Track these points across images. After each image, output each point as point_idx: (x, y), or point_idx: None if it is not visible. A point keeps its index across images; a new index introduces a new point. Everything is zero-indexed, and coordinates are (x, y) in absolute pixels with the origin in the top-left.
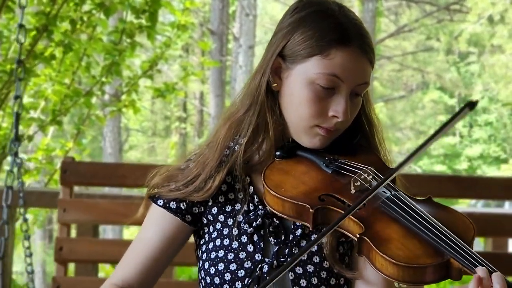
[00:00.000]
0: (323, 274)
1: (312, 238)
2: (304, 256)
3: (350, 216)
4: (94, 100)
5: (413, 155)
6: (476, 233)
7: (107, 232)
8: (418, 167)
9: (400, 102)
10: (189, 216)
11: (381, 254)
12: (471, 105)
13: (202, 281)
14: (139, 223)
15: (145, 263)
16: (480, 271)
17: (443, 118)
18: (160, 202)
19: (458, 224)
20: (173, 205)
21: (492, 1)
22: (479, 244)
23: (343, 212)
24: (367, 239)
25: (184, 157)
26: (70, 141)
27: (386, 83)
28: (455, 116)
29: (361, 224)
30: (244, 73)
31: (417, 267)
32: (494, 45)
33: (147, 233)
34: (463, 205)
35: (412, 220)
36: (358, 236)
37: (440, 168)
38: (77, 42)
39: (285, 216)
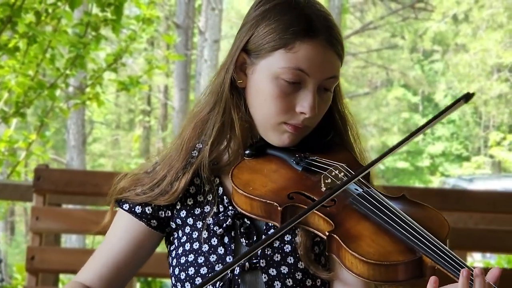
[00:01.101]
0: (298, 275)
1: (286, 238)
2: (277, 257)
3: (320, 214)
4: (58, 92)
5: (394, 149)
6: (450, 230)
7: (69, 241)
8: (381, 163)
9: (364, 98)
10: (154, 221)
11: (350, 252)
12: (467, 97)
13: (173, 287)
14: (106, 230)
15: (108, 269)
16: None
17: (407, 115)
18: (126, 206)
19: (432, 221)
20: (138, 209)
21: (456, 0)
22: None
23: (313, 210)
24: (336, 237)
25: (148, 152)
26: (34, 133)
27: (351, 80)
28: (450, 107)
29: (331, 222)
30: (209, 67)
31: (388, 264)
32: (458, 44)
33: (113, 238)
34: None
35: (383, 217)
36: (327, 233)
37: (402, 165)
38: (42, 34)
39: (254, 216)
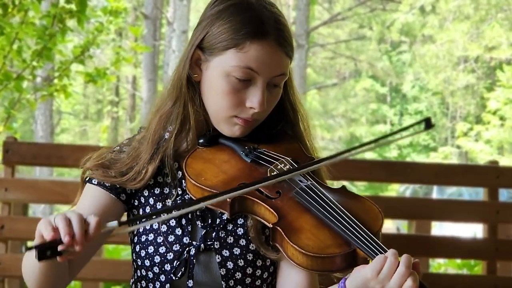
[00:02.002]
0: (249, 256)
1: (238, 222)
2: (230, 239)
3: (265, 205)
4: (25, 84)
5: (336, 156)
6: (383, 222)
7: (36, 213)
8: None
9: (332, 89)
10: (123, 195)
11: (292, 244)
12: (427, 123)
13: (134, 263)
14: (72, 200)
15: None
16: (389, 253)
17: (375, 106)
18: (95, 181)
19: (367, 213)
20: (107, 184)
21: None
22: (403, 229)
23: (258, 201)
24: (280, 229)
25: (116, 142)
26: (1, 124)
27: (319, 71)
28: (408, 127)
29: (275, 214)
30: (177, 58)
31: (325, 257)
32: (425, 35)
33: (83, 206)
34: (393, 192)
35: (323, 211)
36: (271, 225)
37: (370, 156)
38: (9, 26)
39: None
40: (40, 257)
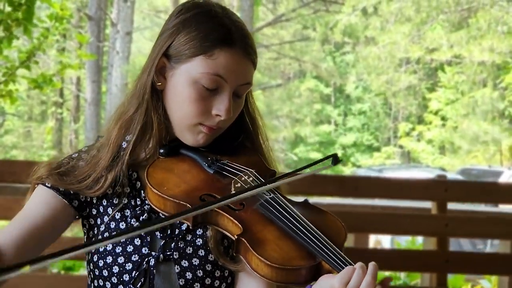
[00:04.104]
0: (208, 266)
1: (197, 232)
2: (189, 250)
3: (229, 217)
4: None
5: (289, 175)
6: (347, 236)
7: None
8: (294, 154)
9: (277, 90)
10: (76, 202)
11: (257, 255)
12: (335, 159)
13: (91, 273)
14: None
15: (22, 232)
16: (357, 265)
17: (319, 106)
18: (49, 184)
19: (331, 227)
20: (61, 188)
21: None
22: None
23: (222, 212)
24: (245, 241)
25: (60, 144)
26: None
27: (263, 71)
28: (318, 162)
29: (240, 226)
30: (121, 59)
31: (290, 268)
32: (368, 36)
33: (31, 208)
34: None
35: (287, 223)
36: (236, 237)
37: (315, 155)
38: None
39: (166, 214)
40: None
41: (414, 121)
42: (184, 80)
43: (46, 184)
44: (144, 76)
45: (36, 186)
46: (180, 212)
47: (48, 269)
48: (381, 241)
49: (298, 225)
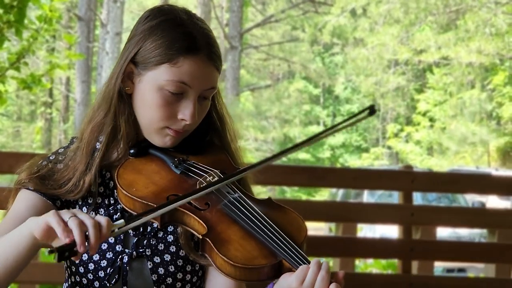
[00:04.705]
0: (180, 262)
1: (169, 229)
2: (161, 246)
3: (195, 216)
4: None
5: (266, 161)
6: (307, 233)
7: None
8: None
9: (266, 91)
10: (58, 202)
11: (220, 255)
12: (372, 110)
13: (68, 269)
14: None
15: None
16: (312, 262)
17: (308, 107)
18: (32, 187)
19: (292, 225)
20: (44, 191)
21: None
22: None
23: (188, 212)
24: (209, 241)
25: (50, 144)
26: None
27: (252, 72)
28: (354, 116)
29: (205, 225)
30: (110, 60)
31: (252, 268)
32: (357, 38)
33: (18, 211)
34: (326, 192)
35: (250, 223)
36: (201, 237)
37: (304, 156)
38: None
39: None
40: (60, 259)
41: (402, 122)
42: (151, 86)
43: (29, 188)
44: (112, 82)
45: (19, 190)
46: (144, 212)
47: (40, 257)
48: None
49: (260, 225)
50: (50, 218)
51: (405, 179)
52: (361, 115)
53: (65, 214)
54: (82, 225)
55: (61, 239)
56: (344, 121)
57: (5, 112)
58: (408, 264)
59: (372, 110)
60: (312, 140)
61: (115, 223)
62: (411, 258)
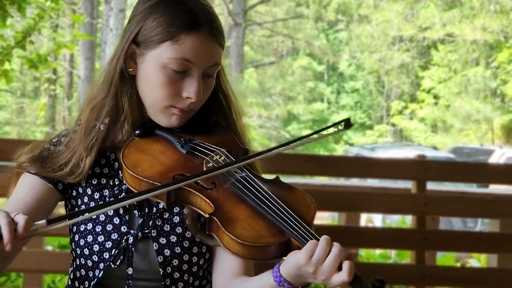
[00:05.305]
0: (186, 243)
1: (174, 210)
2: (167, 227)
3: (201, 196)
4: None
5: (267, 152)
6: (316, 211)
7: None
8: (286, 132)
9: (270, 67)
10: (60, 185)
11: (228, 233)
12: (347, 123)
13: (73, 252)
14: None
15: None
16: (321, 238)
17: (312, 84)
18: (33, 171)
19: (301, 203)
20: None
21: None
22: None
23: (194, 191)
24: (216, 219)
25: (54, 120)
26: None
27: (256, 49)
28: (330, 127)
29: (211, 204)
30: (114, 36)
31: (260, 246)
32: (361, 14)
33: (19, 195)
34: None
35: (257, 201)
36: (208, 215)
37: (307, 133)
38: None
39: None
40: None
41: (406, 99)
42: (154, 65)
43: (31, 171)
44: (113, 62)
45: (20, 174)
46: (150, 189)
47: (43, 246)
48: (373, 220)
49: (268, 203)
50: None
51: (419, 168)
52: (337, 127)
53: None
54: None
55: None
56: (319, 130)
57: (9, 89)
58: (421, 254)
59: (348, 124)
60: (282, 148)
61: (36, 223)
62: (424, 248)
